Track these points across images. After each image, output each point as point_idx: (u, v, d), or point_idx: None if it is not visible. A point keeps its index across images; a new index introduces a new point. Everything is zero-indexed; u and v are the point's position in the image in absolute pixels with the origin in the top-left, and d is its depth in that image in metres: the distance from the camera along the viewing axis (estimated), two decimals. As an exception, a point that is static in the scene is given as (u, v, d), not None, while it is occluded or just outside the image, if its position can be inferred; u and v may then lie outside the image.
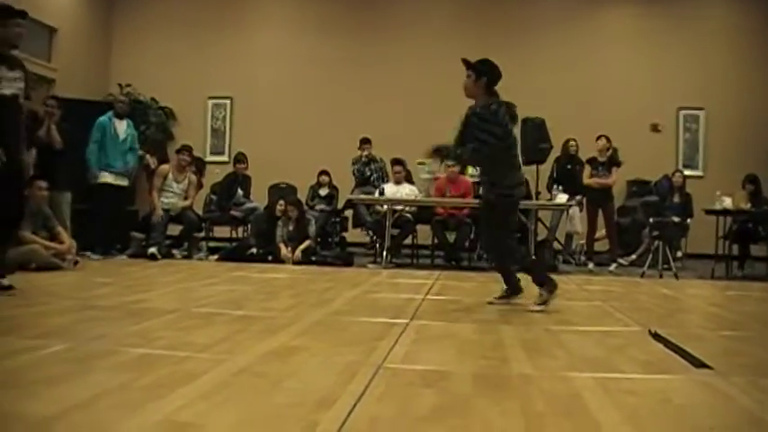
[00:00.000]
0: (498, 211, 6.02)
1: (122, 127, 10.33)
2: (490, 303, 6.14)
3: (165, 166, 10.87)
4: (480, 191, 11.05)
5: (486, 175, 6.20)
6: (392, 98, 13.63)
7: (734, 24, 14.02)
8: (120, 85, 14.02)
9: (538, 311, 5.72)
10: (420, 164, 10.45)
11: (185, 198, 10.69)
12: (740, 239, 10.66)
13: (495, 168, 5.97)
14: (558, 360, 3.91)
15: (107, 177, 10.09)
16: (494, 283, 7.54)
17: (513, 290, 6.20)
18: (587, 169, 10.74)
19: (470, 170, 11.42)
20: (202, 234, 11.35)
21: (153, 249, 9.92)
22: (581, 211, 11.27)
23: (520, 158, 7.12)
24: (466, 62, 5.92)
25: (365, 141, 11.88)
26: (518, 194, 6.12)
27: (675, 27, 14.02)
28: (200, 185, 11.38)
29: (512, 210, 6.19)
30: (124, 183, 10.33)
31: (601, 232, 10.78)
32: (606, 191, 10.62)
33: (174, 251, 10.59)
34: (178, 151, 11.06)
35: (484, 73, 5.87)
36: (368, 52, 14.16)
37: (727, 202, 10.40)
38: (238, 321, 4.80)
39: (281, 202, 10.67)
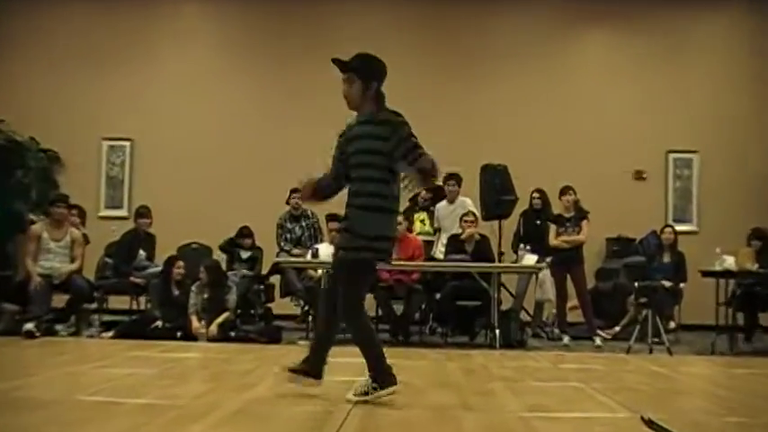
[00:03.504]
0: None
1: None
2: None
3: (35, 227, 10.59)
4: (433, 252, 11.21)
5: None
6: (330, 140, 13.55)
7: (731, 49, 14.29)
8: (-10, 120, 13.80)
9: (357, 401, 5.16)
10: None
11: (71, 260, 10.50)
12: (746, 306, 10.66)
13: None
14: (533, 454, 3.90)
15: None
16: (449, 361, 7.55)
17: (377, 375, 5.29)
18: (553, 229, 10.89)
19: (419, 227, 11.48)
20: (94, 305, 11.13)
21: (29, 325, 9.61)
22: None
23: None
24: (339, 62, 5.59)
25: (295, 191, 11.85)
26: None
27: (662, 55, 14.22)
28: (85, 241, 11.15)
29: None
30: None
31: (573, 302, 10.84)
32: (576, 251, 10.73)
33: (58, 327, 10.33)
34: (51, 203, 10.83)
35: (372, 75, 5.56)
36: (302, 82, 13.82)
37: (730, 262, 10.45)
38: (140, 412, 4.71)
39: (180, 263, 10.55)
